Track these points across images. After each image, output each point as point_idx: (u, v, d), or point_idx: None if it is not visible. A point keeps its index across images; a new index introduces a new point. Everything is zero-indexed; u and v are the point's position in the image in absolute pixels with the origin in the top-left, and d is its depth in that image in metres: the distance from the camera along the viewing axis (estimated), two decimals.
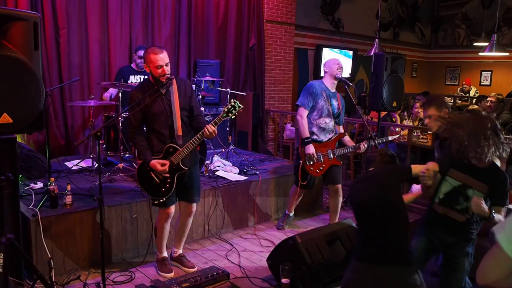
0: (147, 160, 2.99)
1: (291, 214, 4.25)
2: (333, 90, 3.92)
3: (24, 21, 2.44)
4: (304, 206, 4.77)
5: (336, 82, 3.90)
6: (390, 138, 4.01)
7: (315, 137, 3.86)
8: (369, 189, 2.38)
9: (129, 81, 4.79)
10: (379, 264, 2.30)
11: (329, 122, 3.88)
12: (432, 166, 2.44)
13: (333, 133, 3.92)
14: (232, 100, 2.94)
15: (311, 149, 3.77)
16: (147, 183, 3.07)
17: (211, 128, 2.90)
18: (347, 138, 3.99)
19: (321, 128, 3.87)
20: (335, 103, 3.90)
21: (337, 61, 3.91)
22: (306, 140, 3.79)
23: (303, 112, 3.83)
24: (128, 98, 3.17)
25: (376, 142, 3.92)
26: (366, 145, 3.87)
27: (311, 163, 3.80)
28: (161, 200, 3.07)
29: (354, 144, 3.94)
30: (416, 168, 2.45)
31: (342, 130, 4.03)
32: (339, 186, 3.98)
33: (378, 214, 2.32)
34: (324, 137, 3.88)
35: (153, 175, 3.03)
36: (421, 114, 5.97)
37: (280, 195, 4.52)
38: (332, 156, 3.86)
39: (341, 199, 4.08)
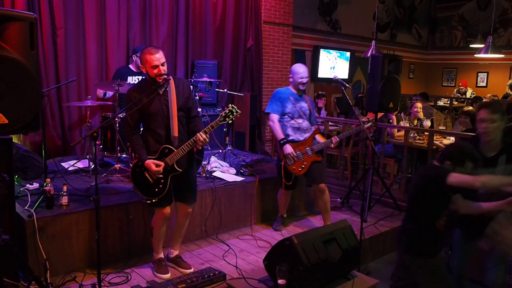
0: (142, 159, 2.98)
1: (284, 215, 4.30)
2: (300, 94, 4.04)
3: (20, 22, 2.44)
4: (300, 207, 4.77)
5: (302, 89, 4.01)
6: (366, 127, 3.83)
7: (291, 138, 3.95)
8: (410, 185, 2.69)
9: (127, 82, 4.77)
10: (406, 252, 2.71)
11: (302, 122, 3.99)
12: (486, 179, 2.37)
13: (309, 132, 4.01)
14: (230, 105, 2.96)
15: (288, 148, 3.85)
16: (140, 182, 3.06)
17: (202, 136, 2.92)
18: (318, 137, 4.03)
19: (295, 128, 3.97)
20: (304, 104, 4.03)
21: (302, 74, 3.95)
22: (281, 142, 3.88)
23: (274, 117, 3.96)
24: (125, 98, 3.16)
25: (350, 132, 4.23)
26: (338, 139, 3.94)
27: (292, 162, 3.87)
28: (153, 200, 3.06)
29: (326, 140, 4.00)
30: (457, 178, 2.40)
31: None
32: (323, 185, 3.99)
33: (409, 208, 2.72)
34: (300, 137, 3.97)
35: (147, 174, 3.02)
36: (421, 113, 5.98)
37: (277, 196, 4.51)
38: (311, 153, 3.93)
39: (328, 198, 4.05)
